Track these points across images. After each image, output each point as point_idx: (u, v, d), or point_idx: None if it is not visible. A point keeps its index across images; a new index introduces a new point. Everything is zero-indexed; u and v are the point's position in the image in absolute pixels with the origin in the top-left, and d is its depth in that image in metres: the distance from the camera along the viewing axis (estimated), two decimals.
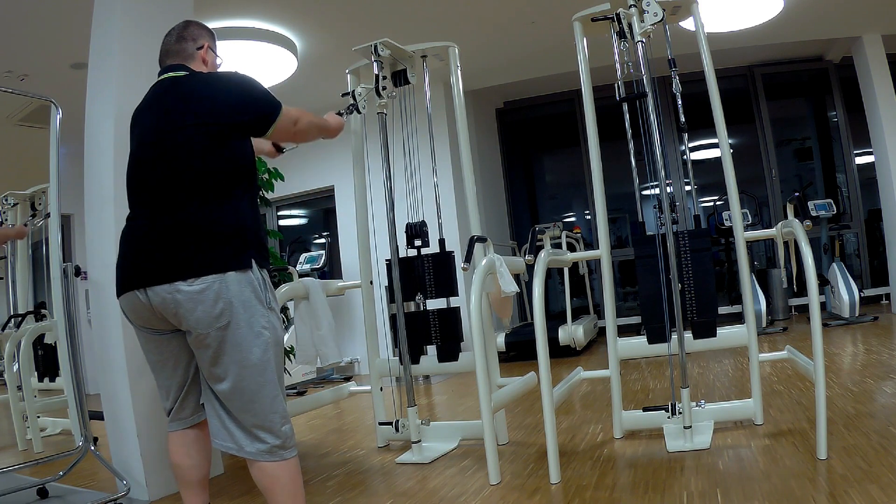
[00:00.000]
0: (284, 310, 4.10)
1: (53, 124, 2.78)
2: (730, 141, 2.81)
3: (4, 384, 2.94)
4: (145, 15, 2.82)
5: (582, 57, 2.81)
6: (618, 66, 2.64)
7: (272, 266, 3.54)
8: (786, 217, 2.76)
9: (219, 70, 1.98)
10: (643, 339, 2.75)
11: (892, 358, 3.87)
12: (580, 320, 6.08)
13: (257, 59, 4.85)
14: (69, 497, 2.73)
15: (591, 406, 3.59)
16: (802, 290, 4.08)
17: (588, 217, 7.69)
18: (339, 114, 2.28)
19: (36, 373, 3.00)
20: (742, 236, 2.75)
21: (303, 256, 6.32)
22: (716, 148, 5.21)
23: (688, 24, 2.78)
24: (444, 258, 3.03)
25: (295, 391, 5.35)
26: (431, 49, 3.03)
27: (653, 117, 2.61)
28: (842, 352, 4.42)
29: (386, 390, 3.35)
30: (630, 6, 2.58)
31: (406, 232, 3.02)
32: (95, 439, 2.79)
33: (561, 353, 5.65)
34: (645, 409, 2.77)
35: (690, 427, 2.56)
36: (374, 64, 2.86)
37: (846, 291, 5.75)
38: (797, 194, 3.82)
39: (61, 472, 2.78)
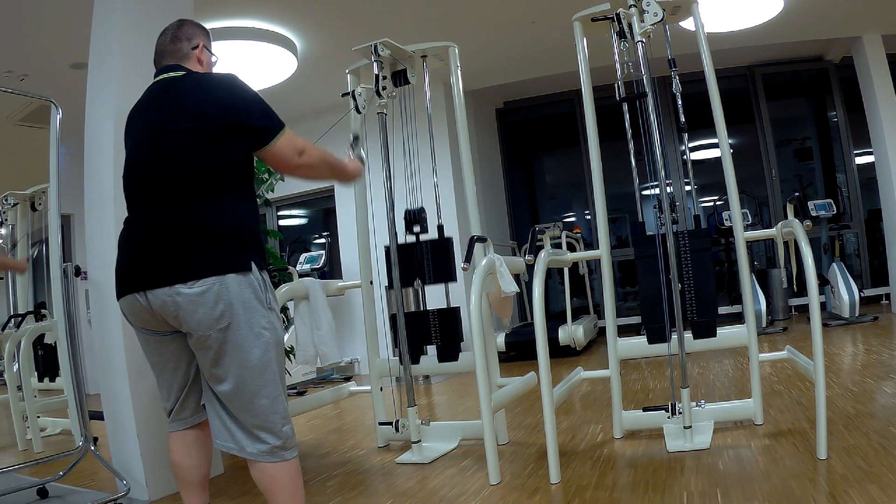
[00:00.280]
0: (284, 310, 4.10)
1: (53, 124, 2.78)
2: (730, 141, 2.81)
3: (4, 384, 2.94)
4: (145, 15, 2.82)
5: (582, 57, 2.81)
6: (618, 66, 2.64)
7: (272, 266, 3.54)
8: (786, 217, 2.76)
9: (214, 70, 1.98)
10: (643, 339, 2.75)
11: (892, 358, 3.87)
12: (580, 320, 6.08)
13: (257, 59, 4.85)
14: (69, 497, 2.73)
15: (591, 406, 3.59)
16: (802, 290, 4.08)
17: (588, 217, 7.69)
18: (360, 157, 2.14)
19: (36, 373, 3.00)
20: (742, 236, 2.75)
21: (303, 256, 6.32)
22: (716, 148, 5.21)
23: (688, 24, 2.78)
24: (443, 244, 3.03)
25: (295, 391, 5.36)
26: (431, 49, 3.03)
27: (653, 117, 2.61)
28: (842, 352, 4.42)
29: (386, 390, 3.35)
30: (630, 6, 2.58)
31: (405, 218, 3.02)
32: (95, 439, 2.79)
33: (561, 353, 5.65)
34: (645, 409, 2.77)
35: (690, 427, 2.56)
36: (374, 64, 2.86)
37: (846, 291, 5.75)
38: (797, 194, 3.83)
39: (61, 472, 2.78)
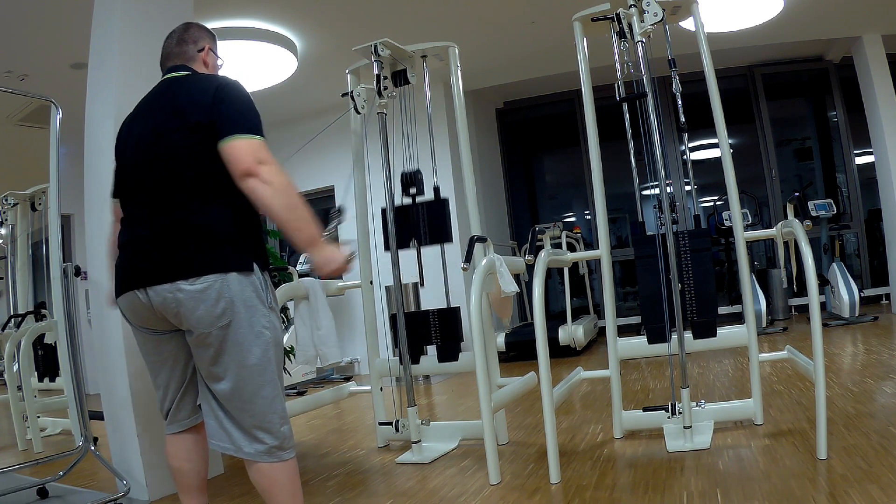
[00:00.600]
0: (284, 310, 4.10)
1: (53, 124, 2.78)
2: (730, 141, 2.81)
3: (4, 384, 2.94)
4: (145, 15, 2.82)
5: (582, 57, 2.81)
6: (618, 66, 2.64)
7: (272, 266, 3.54)
8: (786, 217, 2.76)
9: (219, 72, 1.98)
10: (643, 339, 2.75)
11: (892, 358, 3.87)
12: (580, 320, 6.08)
13: (257, 59, 4.85)
14: (69, 497, 2.73)
15: (591, 406, 3.59)
16: (802, 290, 4.08)
17: (588, 217, 7.69)
18: (349, 257, 1.71)
19: (36, 373, 3.00)
20: (742, 236, 2.75)
21: (303, 256, 6.31)
22: (716, 148, 5.21)
23: (688, 24, 2.78)
24: (439, 205, 3.03)
25: (295, 391, 5.35)
26: (431, 49, 3.03)
27: (653, 117, 2.61)
28: (842, 352, 4.42)
29: (386, 390, 3.35)
30: (630, 6, 2.58)
31: (401, 180, 3.02)
32: (95, 439, 2.79)
33: (561, 353, 5.65)
34: (645, 409, 2.77)
35: (690, 427, 2.56)
36: (374, 64, 2.86)
37: (846, 291, 5.75)
38: (797, 194, 3.82)
39: (61, 472, 2.78)
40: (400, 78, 2.97)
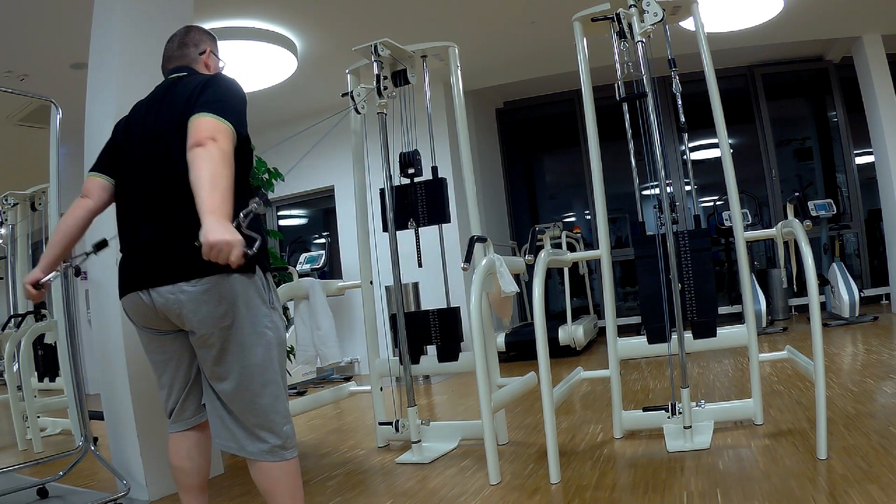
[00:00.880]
0: (285, 310, 4.10)
1: (53, 124, 2.78)
2: (730, 141, 2.81)
3: (4, 384, 2.94)
4: (145, 15, 2.82)
5: (582, 57, 2.81)
6: (618, 66, 2.64)
7: (272, 265, 3.54)
8: (786, 217, 2.76)
9: (220, 73, 1.97)
10: (643, 339, 2.75)
11: (892, 358, 3.87)
12: (580, 320, 6.08)
13: (257, 59, 4.85)
14: (69, 497, 2.73)
15: (591, 406, 3.59)
16: (802, 290, 4.07)
17: (588, 217, 7.69)
18: (248, 248, 1.51)
19: (36, 373, 3.00)
20: (742, 236, 2.75)
21: (303, 256, 6.32)
22: (716, 148, 5.21)
23: (688, 24, 2.78)
24: (437, 185, 3.03)
25: (295, 391, 5.36)
26: (431, 49, 3.03)
27: (653, 117, 2.61)
28: (842, 352, 4.42)
29: (386, 390, 3.35)
30: (630, 6, 2.58)
31: (399, 161, 3.02)
32: (95, 439, 2.79)
33: (561, 353, 5.65)
34: (645, 409, 2.77)
35: (690, 427, 2.56)
36: (374, 64, 2.86)
37: (846, 291, 5.75)
38: (797, 194, 3.82)
39: (61, 472, 2.78)
40: (400, 78, 2.97)
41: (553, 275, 7.11)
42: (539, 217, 8.04)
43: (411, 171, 3.00)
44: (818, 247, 6.02)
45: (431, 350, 3.10)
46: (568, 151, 7.79)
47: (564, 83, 6.93)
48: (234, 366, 1.67)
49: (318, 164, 6.53)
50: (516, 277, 2.99)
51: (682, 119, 2.74)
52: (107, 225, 1.94)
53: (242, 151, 1.70)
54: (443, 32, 4.08)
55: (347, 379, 5.73)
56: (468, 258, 2.74)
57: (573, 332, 5.59)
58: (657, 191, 2.63)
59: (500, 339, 5.71)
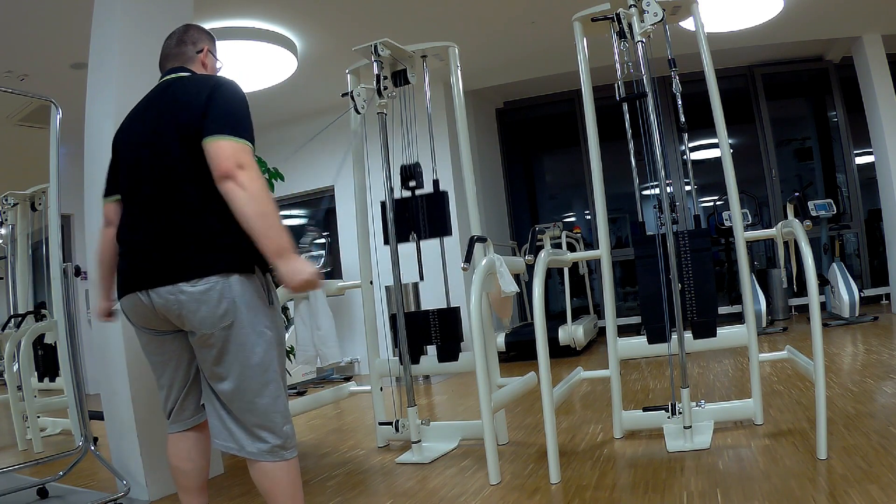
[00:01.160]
0: (284, 310, 4.11)
1: (53, 124, 2.78)
2: (730, 141, 2.81)
3: (4, 384, 2.94)
4: (145, 15, 2.82)
5: (582, 57, 2.81)
6: (618, 66, 2.64)
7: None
8: (786, 217, 2.76)
9: (218, 74, 1.97)
10: (643, 339, 2.75)
11: (892, 358, 3.87)
12: (580, 320, 6.08)
13: (257, 59, 4.85)
14: (69, 497, 2.73)
15: (591, 406, 3.59)
16: (802, 290, 4.07)
17: (588, 217, 7.69)
18: (321, 271, 1.77)
19: (36, 373, 3.00)
20: (742, 236, 2.75)
21: (302, 256, 6.31)
22: (716, 148, 5.21)
23: (688, 24, 2.78)
24: (438, 198, 3.03)
25: (295, 391, 5.36)
26: (431, 49, 3.03)
27: (653, 117, 2.61)
28: (842, 352, 4.42)
29: (386, 390, 3.35)
30: (630, 6, 2.58)
31: (400, 174, 3.02)
32: (95, 439, 2.79)
33: (561, 353, 5.66)
34: (645, 409, 2.77)
35: (690, 427, 2.56)
36: (374, 64, 2.86)
37: (846, 291, 5.75)
38: (797, 194, 3.82)
39: (61, 472, 2.78)
40: (400, 78, 2.97)
41: (553, 275, 7.11)
42: (539, 217, 8.04)
43: (413, 183, 3.00)
44: (818, 247, 6.02)
45: (431, 350, 3.10)
46: (568, 151, 7.79)
47: (564, 83, 6.93)
48: (233, 366, 1.67)
49: (318, 164, 6.55)
50: (516, 277, 2.99)
51: (682, 119, 2.74)
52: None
53: None
54: (443, 32, 4.08)
55: (347, 379, 5.73)
56: (468, 258, 2.74)
57: (573, 332, 5.59)
58: (657, 191, 2.63)
59: (500, 339, 5.71)
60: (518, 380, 2.92)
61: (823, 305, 6.02)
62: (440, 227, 3.01)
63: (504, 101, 7.79)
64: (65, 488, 2.81)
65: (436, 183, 3.05)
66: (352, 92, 3.12)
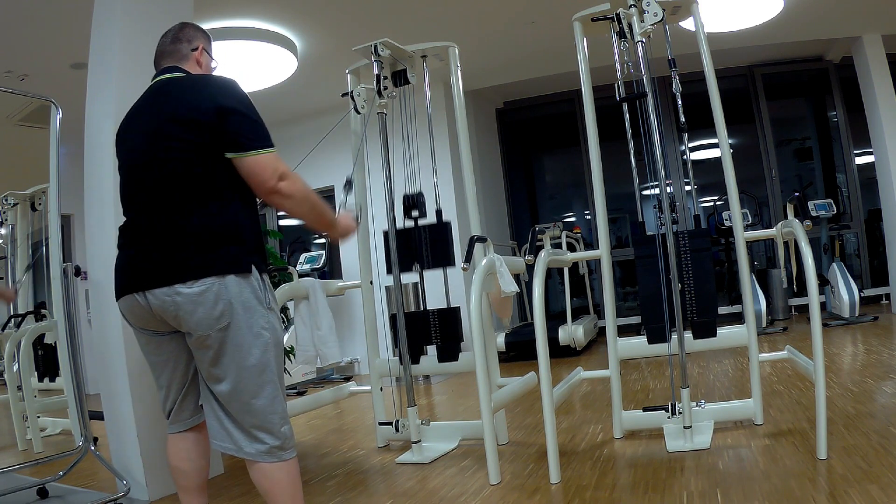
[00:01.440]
0: (284, 310, 4.10)
1: (53, 124, 2.78)
2: (730, 141, 2.81)
3: (4, 384, 2.94)
4: (145, 15, 2.82)
5: (582, 57, 2.81)
6: (618, 66, 2.64)
7: (272, 266, 3.54)
8: (786, 217, 2.76)
9: (213, 73, 1.97)
10: (643, 339, 2.75)
11: (892, 358, 3.87)
12: (580, 320, 6.08)
13: (257, 59, 4.85)
14: (69, 497, 2.73)
15: (591, 406, 3.59)
16: (802, 290, 4.08)
17: (588, 217, 7.69)
18: (356, 217, 1.97)
19: (36, 373, 3.00)
20: (742, 236, 2.75)
21: (303, 256, 6.31)
22: (716, 148, 5.21)
23: (688, 24, 2.78)
24: (441, 228, 3.03)
25: (295, 391, 5.35)
26: (431, 49, 3.03)
27: (653, 117, 2.61)
28: (842, 352, 4.42)
29: (386, 390, 3.35)
30: (630, 6, 2.58)
31: (403, 203, 3.02)
32: (95, 439, 2.79)
33: (561, 353, 5.65)
34: (645, 409, 2.77)
35: (690, 427, 2.56)
36: (374, 64, 2.86)
37: (846, 291, 5.75)
38: (797, 194, 3.83)
39: (61, 472, 2.78)
40: (400, 78, 2.97)
41: (553, 275, 7.11)
42: (539, 217, 8.04)
43: (415, 213, 3.00)
44: (818, 247, 6.02)
45: (431, 350, 3.10)
46: (568, 151, 7.79)
47: (564, 83, 6.93)
48: (230, 367, 1.67)
49: (318, 164, 6.54)
50: (516, 277, 2.99)
51: (682, 119, 2.74)
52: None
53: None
54: (443, 32, 4.08)
55: (347, 379, 5.73)
56: (468, 258, 2.74)
57: (573, 332, 5.59)
58: (657, 191, 2.63)
59: (500, 339, 5.71)
60: (518, 380, 2.92)
61: (823, 305, 6.02)
62: (443, 258, 3.01)
63: (504, 101, 7.79)
64: (65, 488, 2.81)
65: (439, 213, 3.05)
66: (352, 92, 3.12)
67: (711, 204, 7.26)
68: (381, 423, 3.17)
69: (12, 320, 2.98)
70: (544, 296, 2.44)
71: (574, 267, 6.41)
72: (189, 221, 1.67)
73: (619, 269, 7.39)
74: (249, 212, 1.77)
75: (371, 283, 3.27)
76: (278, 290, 2.96)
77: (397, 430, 3.02)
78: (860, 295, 5.82)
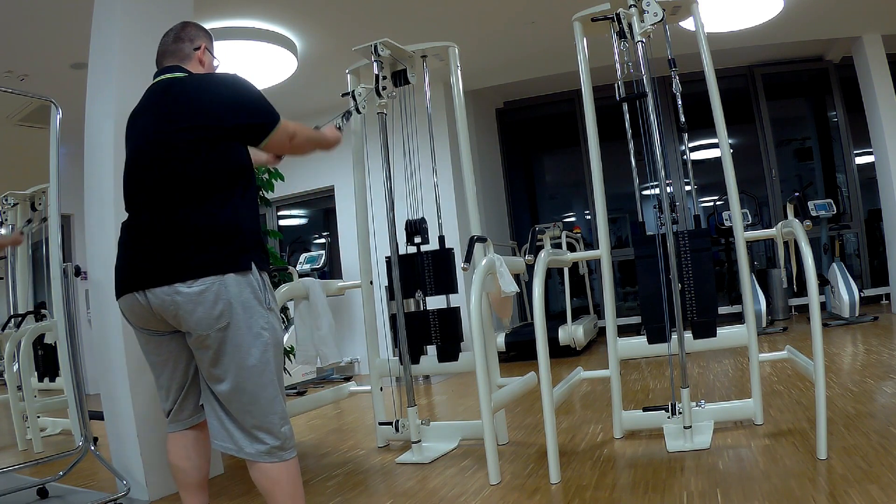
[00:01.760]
0: (284, 310, 4.10)
1: (53, 124, 2.78)
2: (730, 141, 2.81)
3: (4, 384, 2.94)
4: (145, 15, 2.82)
5: (582, 57, 2.81)
6: (618, 66, 2.64)
7: (272, 266, 3.54)
8: (786, 217, 2.76)
9: (217, 72, 1.98)
10: (643, 339, 2.75)
11: (892, 358, 3.87)
12: (580, 320, 6.08)
13: (257, 59, 4.85)
14: (69, 497, 2.73)
15: (591, 406, 3.59)
16: (802, 290, 4.07)
17: (588, 217, 7.69)
18: (338, 126, 2.23)
19: (36, 373, 3.00)
20: (742, 236, 2.75)
21: (303, 256, 6.32)
22: (716, 148, 5.21)
23: (688, 24, 2.78)
24: (444, 255, 3.03)
25: (295, 391, 5.36)
26: (431, 49, 3.03)
27: (653, 117, 2.61)
28: (842, 352, 4.42)
29: (386, 390, 3.35)
30: (630, 6, 2.58)
31: (405, 229, 3.02)
32: (95, 439, 2.79)
33: (561, 353, 5.65)
34: (645, 409, 2.77)
35: (690, 427, 2.56)
36: (374, 64, 2.86)
37: (846, 291, 5.75)
38: (797, 194, 3.82)
39: (61, 472, 2.78)
40: (400, 78, 2.97)
41: (553, 275, 7.11)
42: (539, 217, 8.04)
43: (418, 239, 3.00)
44: (818, 247, 6.02)
45: (431, 350, 3.10)
46: (568, 151, 7.79)
47: (564, 83, 6.92)
48: (230, 367, 1.67)
49: (318, 164, 6.54)
50: (516, 277, 2.99)
51: (682, 119, 2.74)
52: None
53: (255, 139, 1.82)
54: (443, 32, 4.08)
55: (347, 379, 5.73)
56: (468, 258, 2.74)
57: (573, 332, 5.59)
58: (657, 191, 2.62)
59: (500, 339, 5.71)
60: (518, 380, 2.92)
61: (823, 305, 6.02)
62: (446, 285, 3.01)
63: (504, 101, 7.79)
64: (65, 488, 2.81)
65: (441, 239, 3.04)
66: (353, 91, 3.11)
67: (711, 204, 7.26)
68: (381, 423, 3.17)
69: (12, 320, 2.98)
70: (544, 296, 2.44)
71: (574, 267, 6.41)
72: (189, 221, 1.67)
73: (619, 269, 7.39)
74: (249, 210, 1.78)
75: (371, 283, 3.27)
76: (278, 290, 2.96)
77: (397, 430, 3.01)
78: (860, 295, 5.82)
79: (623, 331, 3.15)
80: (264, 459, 1.69)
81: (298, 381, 5.63)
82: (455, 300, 3.15)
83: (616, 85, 2.66)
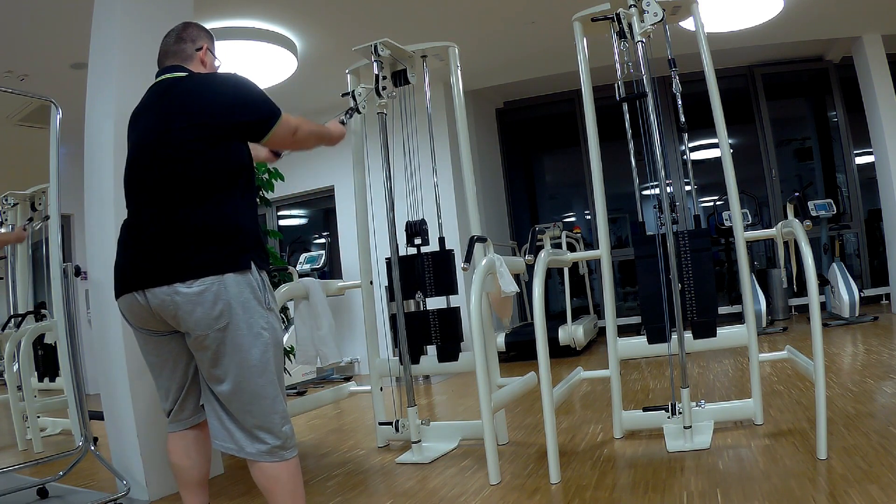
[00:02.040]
0: (284, 310, 4.10)
1: (53, 124, 2.78)
2: (730, 141, 2.81)
3: (4, 384, 2.94)
4: (145, 15, 2.82)
5: (582, 57, 2.81)
6: (618, 66, 2.64)
7: (272, 266, 3.54)
8: (786, 217, 2.76)
9: (218, 71, 1.98)
10: (643, 339, 2.75)
11: (892, 358, 3.87)
12: (580, 320, 6.08)
13: (257, 59, 4.85)
14: (69, 497, 2.73)
15: (591, 406, 3.59)
16: (802, 290, 4.08)
17: (588, 217, 7.69)
18: (341, 121, 2.23)
19: (36, 373, 3.00)
20: (742, 236, 2.75)
21: (303, 256, 6.31)
22: (716, 148, 5.20)
23: (688, 24, 2.78)
24: (444, 256, 3.03)
25: (295, 391, 5.36)
26: (431, 49, 3.02)
27: (653, 117, 2.61)
28: (842, 352, 4.42)
29: (386, 390, 3.35)
30: (630, 6, 2.58)
31: (406, 230, 3.02)
32: (95, 439, 2.79)
33: (561, 353, 5.65)
34: (645, 409, 2.77)
35: (690, 427, 2.56)
36: (374, 64, 2.86)
37: (846, 291, 5.75)
38: (797, 194, 3.81)
39: (61, 472, 2.78)
40: (400, 78, 2.97)
41: (553, 275, 7.11)
42: (539, 217, 8.04)
43: (418, 241, 3.00)
44: (818, 247, 6.02)
45: (431, 350, 3.10)
46: (568, 151, 7.79)
47: (564, 83, 6.92)
48: (230, 367, 1.67)
49: (318, 164, 6.54)
50: (516, 277, 2.99)
51: (682, 119, 2.74)
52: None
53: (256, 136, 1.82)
54: (443, 32, 4.08)
55: (347, 379, 5.73)
56: (468, 258, 2.74)
57: (573, 332, 5.59)
58: (657, 191, 2.63)
59: (500, 339, 5.71)
60: (518, 380, 2.92)
61: (823, 305, 6.02)
62: (446, 286, 3.01)
63: (504, 101, 7.79)
64: (65, 488, 2.81)
65: (441, 240, 3.04)
66: (353, 91, 3.11)
67: (711, 204, 7.26)
68: (381, 423, 3.17)
69: (12, 320, 2.98)
70: (544, 296, 2.44)
71: (574, 267, 6.41)
72: (189, 220, 1.67)
73: (619, 269, 7.39)
74: (249, 210, 1.78)
75: (371, 283, 3.27)
76: (278, 290, 2.96)
77: (397, 430, 3.02)
78: (860, 295, 5.82)
79: (623, 331, 3.15)
80: (265, 459, 1.69)
81: (298, 381, 5.63)
82: (455, 300, 3.15)
83: (616, 85, 2.66)
